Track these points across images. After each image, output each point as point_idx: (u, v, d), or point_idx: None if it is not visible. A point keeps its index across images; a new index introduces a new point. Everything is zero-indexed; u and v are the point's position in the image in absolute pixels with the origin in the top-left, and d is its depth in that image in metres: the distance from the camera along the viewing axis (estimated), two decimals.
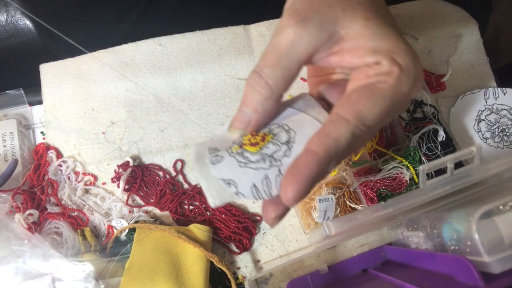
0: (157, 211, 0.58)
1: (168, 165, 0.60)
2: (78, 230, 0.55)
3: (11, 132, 0.58)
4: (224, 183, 0.32)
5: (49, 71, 0.62)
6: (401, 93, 0.33)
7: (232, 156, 0.33)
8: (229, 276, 0.51)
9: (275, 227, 0.58)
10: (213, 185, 0.32)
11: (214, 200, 0.31)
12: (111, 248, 0.54)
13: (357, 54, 0.33)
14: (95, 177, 0.59)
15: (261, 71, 0.33)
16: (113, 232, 0.55)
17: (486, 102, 0.63)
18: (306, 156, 0.31)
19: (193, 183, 0.59)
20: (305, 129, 0.35)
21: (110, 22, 0.66)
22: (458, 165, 0.51)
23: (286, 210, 0.34)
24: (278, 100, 0.35)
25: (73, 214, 0.56)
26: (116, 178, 0.57)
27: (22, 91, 0.61)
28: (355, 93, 0.33)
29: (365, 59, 0.33)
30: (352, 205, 0.55)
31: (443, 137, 0.58)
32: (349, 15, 0.32)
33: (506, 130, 0.62)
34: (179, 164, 0.60)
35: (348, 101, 0.33)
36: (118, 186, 0.57)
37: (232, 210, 0.57)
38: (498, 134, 0.62)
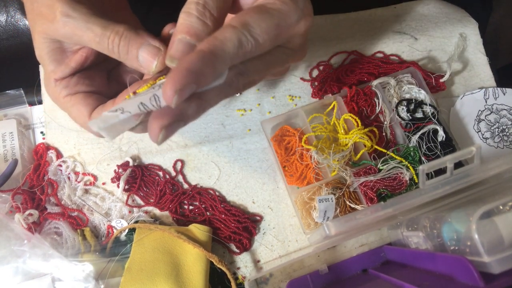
0: (157, 211, 0.58)
1: (168, 165, 0.60)
2: (78, 230, 0.55)
3: (11, 132, 0.58)
4: (110, 112, 0.34)
5: None
6: (288, 18, 0.36)
7: (124, 101, 0.36)
8: (229, 276, 0.51)
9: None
10: (101, 120, 0.34)
11: (98, 125, 0.33)
12: (111, 248, 0.54)
13: None
14: (95, 177, 0.59)
15: (206, 4, 0.36)
16: (113, 232, 0.55)
17: (486, 102, 0.63)
18: (191, 54, 0.33)
19: (193, 183, 0.59)
20: None
21: None
22: (458, 165, 0.51)
23: (171, 120, 0.34)
24: (217, 23, 0.37)
25: (73, 214, 0.56)
26: (116, 178, 0.57)
27: (22, 91, 0.61)
28: (246, 10, 0.36)
29: None
30: (352, 205, 0.55)
31: (443, 137, 0.58)
32: None
33: (506, 130, 0.62)
34: (179, 164, 0.60)
35: (239, 15, 0.35)
36: (118, 186, 0.57)
37: (232, 210, 0.57)
38: (498, 134, 0.62)
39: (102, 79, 0.46)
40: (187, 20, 0.35)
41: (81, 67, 0.43)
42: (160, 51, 0.38)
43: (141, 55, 0.37)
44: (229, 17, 0.39)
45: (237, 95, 0.63)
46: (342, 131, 0.58)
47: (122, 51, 0.38)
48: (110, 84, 0.47)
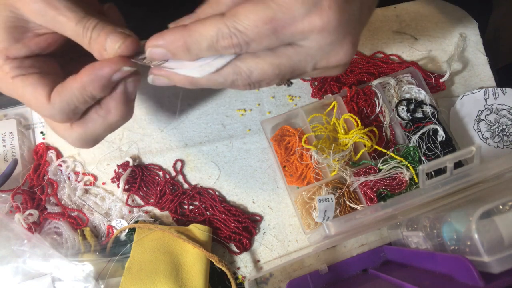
0: (157, 211, 0.58)
1: (168, 165, 0.60)
2: (78, 230, 0.55)
3: (11, 132, 0.58)
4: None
5: None
6: (290, 11, 0.31)
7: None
8: (229, 276, 0.51)
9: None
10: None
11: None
12: (111, 248, 0.54)
13: None
14: (95, 177, 0.59)
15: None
16: (113, 232, 0.55)
17: (486, 102, 0.63)
18: (177, 27, 0.34)
19: (193, 183, 0.59)
20: None
21: None
22: (458, 165, 0.51)
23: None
24: None
25: (73, 214, 0.56)
26: (116, 178, 0.58)
27: None
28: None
29: None
30: (352, 205, 0.55)
31: (443, 137, 0.58)
32: None
33: (506, 130, 0.62)
34: (179, 164, 0.60)
35: (238, 2, 0.32)
36: (118, 186, 0.57)
37: (232, 210, 0.57)
38: (498, 134, 0.62)
39: (56, 68, 0.42)
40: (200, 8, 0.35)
41: (40, 51, 0.40)
42: (129, 36, 0.37)
43: (110, 38, 0.36)
44: None
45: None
46: (342, 131, 0.58)
47: (93, 35, 0.36)
48: (63, 75, 0.42)
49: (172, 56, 0.35)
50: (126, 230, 0.54)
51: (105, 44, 0.36)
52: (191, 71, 0.36)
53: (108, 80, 0.36)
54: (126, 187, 0.57)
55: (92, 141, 0.42)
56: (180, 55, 0.34)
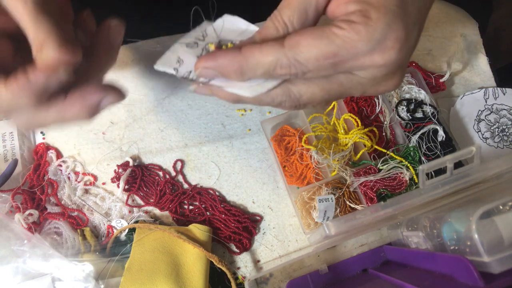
0: (157, 211, 0.58)
1: (168, 165, 0.60)
2: (78, 230, 0.55)
3: (11, 132, 0.58)
4: (177, 59, 0.37)
5: None
6: (353, 48, 0.31)
7: (202, 50, 0.37)
8: (229, 276, 0.51)
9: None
10: (169, 56, 0.37)
11: (158, 63, 0.37)
12: (111, 248, 0.54)
13: (346, 1, 0.32)
14: (95, 177, 0.59)
15: (281, 11, 0.33)
16: (113, 232, 0.55)
17: (486, 102, 0.63)
18: (231, 49, 0.33)
19: (193, 183, 0.59)
20: None
21: None
22: (458, 165, 0.51)
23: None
24: None
25: (73, 214, 0.56)
26: (116, 178, 0.58)
27: None
28: (312, 27, 0.32)
29: (348, 7, 0.31)
30: (352, 205, 0.55)
31: (443, 137, 0.58)
32: None
33: (506, 130, 0.62)
34: (179, 164, 0.60)
35: (297, 32, 0.32)
36: (118, 186, 0.57)
37: (232, 210, 0.57)
38: (498, 134, 0.62)
39: (9, 49, 0.38)
40: (265, 23, 0.34)
41: None
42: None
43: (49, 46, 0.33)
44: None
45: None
46: (342, 131, 0.58)
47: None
48: (16, 58, 0.38)
49: (222, 77, 0.34)
50: (126, 230, 0.54)
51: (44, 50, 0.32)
52: (241, 90, 0.35)
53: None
54: (126, 187, 0.57)
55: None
56: (232, 77, 0.34)
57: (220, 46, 0.37)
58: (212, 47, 0.37)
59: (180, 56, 0.37)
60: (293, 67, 0.32)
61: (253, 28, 0.39)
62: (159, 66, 0.37)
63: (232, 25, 0.39)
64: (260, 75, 0.33)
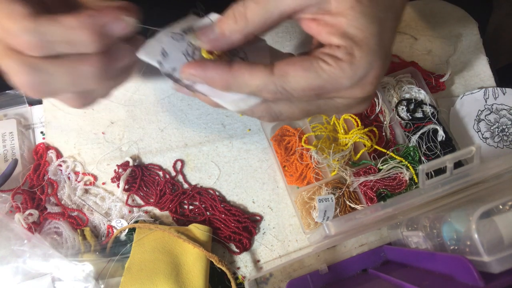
0: (157, 211, 0.58)
1: (168, 165, 0.60)
2: (78, 230, 0.55)
3: (11, 132, 0.58)
4: (161, 51, 0.36)
5: None
6: (337, 83, 0.33)
7: (187, 45, 0.37)
8: (229, 276, 0.51)
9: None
10: (154, 45, 0.36)
11: (142, 51, 0.36)
12: (111, 248, 0.54)
13: (329, 31, 0.33)
14: (95, 177, 0.59)
15: (247, 3, 0.34)
16: (113, 232, 0.55)
17: (486, 102, 0.63)
18: (221, 63, 0.34)
19: (193, 183, 0.59)
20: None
21: None
22: (458, 164, 0.51)
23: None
24: (247, 37, 0.35)
25: (73, 214, 0.56)
26: (116, 178, 0.58)
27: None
28: (299, 58, 0.34)
29: (332, 39, 0.33)
30: (352, 205, 0.55)
31: (442, 137, 0.58)
32: None
33: (506, 130, 0.62)
34: (179, 164, 0.60)
35: (286, 61, 0.33)
36: (118, 186, 0.57)
37: (232, 210, 0.57)
38: (497, 134, 0.62)
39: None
40: (227, 11, 0.34)
41: None
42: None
43: None
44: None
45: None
46: (342, 131, 0.58)
47: None
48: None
49: (208, 85, 0.35)
50: (126, 230, 0.54)
51: None
52: (224, 102, 0.36)
53: (103, 30, 0.33)
54: (126, 187, 0.57)
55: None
56: (218, 88, 0.35)
57: None
58: (204, 53, 0.36)
59: (164, 47, 0.36)
60: (279, 93, 0.34)
61: None
62: (141, 55, 0.36)
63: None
64: (246, 92, 0.34)
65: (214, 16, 0.38)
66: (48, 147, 0.59)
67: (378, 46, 0.33)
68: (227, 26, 0.34)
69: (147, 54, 0.36)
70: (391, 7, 0.34)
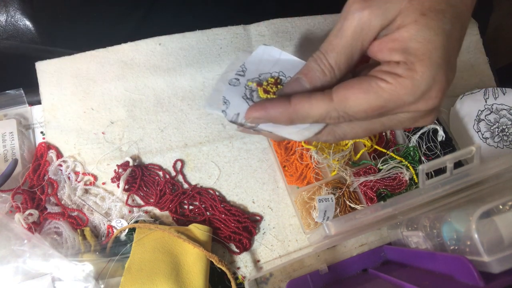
0: (157, 211, 0.58)
1: (168, 165, 0.60)
2: (78, 230, 0.55)
3: (11, 132, 0.58)
4: (223, 100, 0.37)
5: (45, 69, 0.62)
6: (399, 101, 0.32)
7: (245, 88, 0.38)
8: (229, 276, 0.51)
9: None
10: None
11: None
12: (111, 248, 0.54)
13: (391, 47, 0.32)
14: (95, 177, 0.59)
15: (327, 54, 0.33)
16: (113, 232, 0.55)
17: (486, 102, 0.63)
18: (280, 100, 0.34)
19: (193, 183, 0.59)
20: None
21: (112, 23, 0.66)
22: (458, 164, 0.51)
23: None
24: (335, 84, 0.34)
25: (73, 214, 0.56)
26: (116, 178, 0.58)
27: (22, 91, 0.61)
28: (357, 80, 0.33)
29: (393, 55, 0.32)
30: (352, 205, 0.55)
31: (442, 137, 0.58)
32: (412, 3, 0.31)
33: (506, 130, 0.62)
34: (179, 164, 0.60)
35: (344, 86, 0.33)
36: (118, 186, 0.57)
37: (232, 210, 0.57)
38: (497, 134, 0.62)
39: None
40: (309, 64, 0.35)
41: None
42: None
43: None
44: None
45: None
46: None
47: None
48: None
49: (272, 123, 0.36)
50: (126, 230, 0.54)
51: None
52: (289, 134, 0.37)
53: None
54: (126, 187, 0.57)
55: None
56: (282, 124, 0.35)
57: (261, 82, 0.38)
58: (260, 93, 0.37)
59: (225, 96, 0.37)
60: (341, 118, 0.33)
61: (285, 56, 0.39)
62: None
63: (268, 56, 0.40)
64: (309, 123, 0.35)
65: (262, 48, 0.39)
66: (48, 147, 0.59)
67: (442, 59, 0.31)
68: (317, 79, 0.34)
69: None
70: (458, 17, 0.33)
